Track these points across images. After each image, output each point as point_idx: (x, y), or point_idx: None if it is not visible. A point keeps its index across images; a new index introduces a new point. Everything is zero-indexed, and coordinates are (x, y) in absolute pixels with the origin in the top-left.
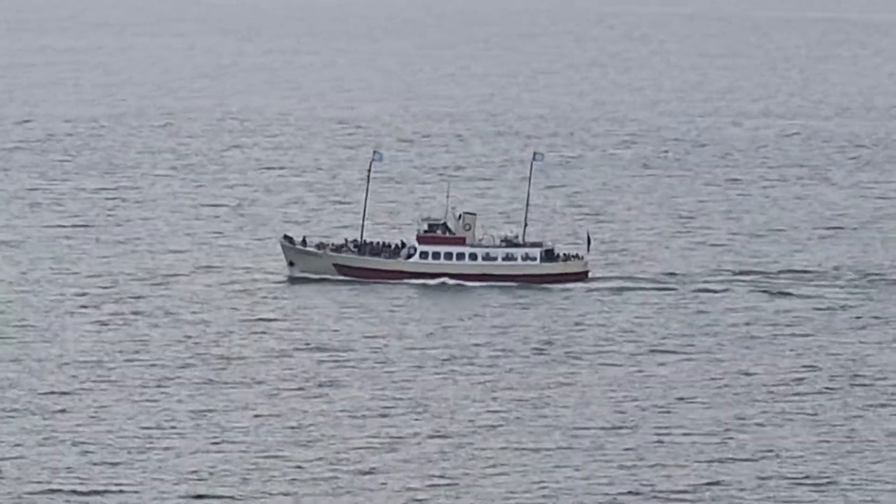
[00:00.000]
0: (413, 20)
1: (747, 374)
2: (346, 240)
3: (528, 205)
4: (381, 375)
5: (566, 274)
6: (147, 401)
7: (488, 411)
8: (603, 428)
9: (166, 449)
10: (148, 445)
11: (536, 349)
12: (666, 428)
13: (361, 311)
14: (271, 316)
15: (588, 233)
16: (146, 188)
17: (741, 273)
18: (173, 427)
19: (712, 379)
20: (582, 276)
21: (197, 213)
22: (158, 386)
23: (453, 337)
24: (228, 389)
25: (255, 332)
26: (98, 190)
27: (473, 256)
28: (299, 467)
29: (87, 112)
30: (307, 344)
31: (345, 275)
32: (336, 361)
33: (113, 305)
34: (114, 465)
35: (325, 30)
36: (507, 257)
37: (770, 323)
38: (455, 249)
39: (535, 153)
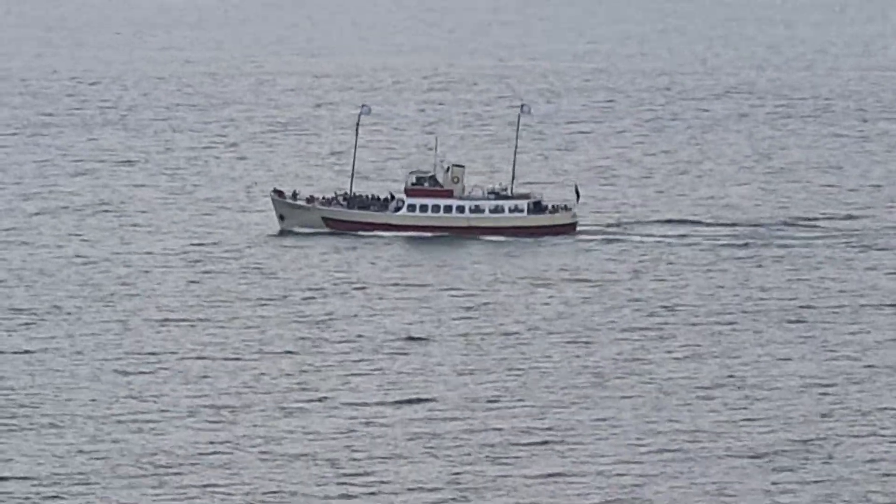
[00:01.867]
0: None
1: (706, 326)
2: (335, 193)
3: (515, 157)
4: (330, 325)
5: (554, 226)
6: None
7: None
8: (586, 382)
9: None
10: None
11: (487, 299)
12: (649, 382)
13: (345, 265)
14: (259, 268)
15: (576, 185)
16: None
17: (697, 223)
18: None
19: (663, 329)
20: (570, 228)
21: (163, 168)
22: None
23: (433, 292)
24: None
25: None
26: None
27: (461, 209)
28: (277, 437)
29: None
30: (263, 294)
31: (333, 228)
32: (314, 316)
33: (79, 247)
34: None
35: None
36: (495, 209)
37: (725, 272)
38: (442, 202)
39: (522, 105)
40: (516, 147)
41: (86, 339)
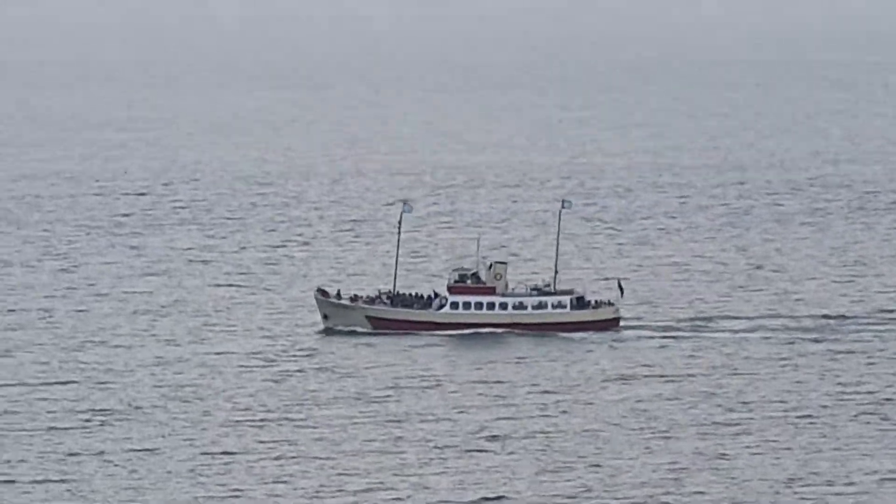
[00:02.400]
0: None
1: (783, 420)
2: (379, 291)
3: (557, 252)
4: (407, 424)
5: (597, 321)
6: (190, 443)
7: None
8: (601, 477)
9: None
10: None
11: (563, 397)
12: (729, 479)
13: (391, 362)
14: (305, 367)
15: (619, 280)
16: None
17: (773, 317)
18: (203, 466)
19: (709, 427)
20: (614, 323)
21: (237, 268)
22: (193, 427)
23: (478, 387)
24: (260, 437)
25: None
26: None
27: (504, 306)
28: None
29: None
30: (339, 394)
31: (377, 327)
32: (363, 413)
33: (155, 348)
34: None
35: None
36: (538, 306)
37: (801, 366)
38: (485, 299)
39: (563, 200)
40: (558, 243)
41: (161, 440)
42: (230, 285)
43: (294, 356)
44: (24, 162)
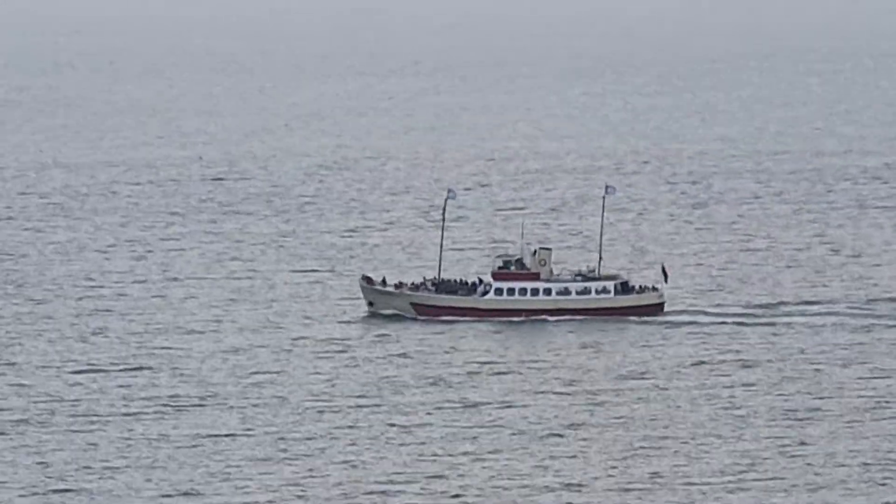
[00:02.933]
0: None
1: (824, 409)
2: (424, 278)
3: (601, 238)
4: (483, 410)
5: (641, 306)
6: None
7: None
8: (676, 465)
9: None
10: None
11: (608, 384)
12: (740, 465)
13: (464, 348)
14: (379, 353)
15: (663, 265)
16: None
17: (817, 303)
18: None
19: (783, 413)
20: (658, 309)
21: (312, 253)
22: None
23: (520, 372)
24: (305, 428)
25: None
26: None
27: (548, 291)
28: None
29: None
30: (414, 380)
31: (421, 313)
32: (438, 398)
33: (230, 334)
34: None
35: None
36: (582, 291)
37: (849, 355)
38: (529, 285)
39: (607, 186)
40: (602, 228)
41: (237, 425)
42: (305, 271)
43: (370, 342)
44: (103, 148)
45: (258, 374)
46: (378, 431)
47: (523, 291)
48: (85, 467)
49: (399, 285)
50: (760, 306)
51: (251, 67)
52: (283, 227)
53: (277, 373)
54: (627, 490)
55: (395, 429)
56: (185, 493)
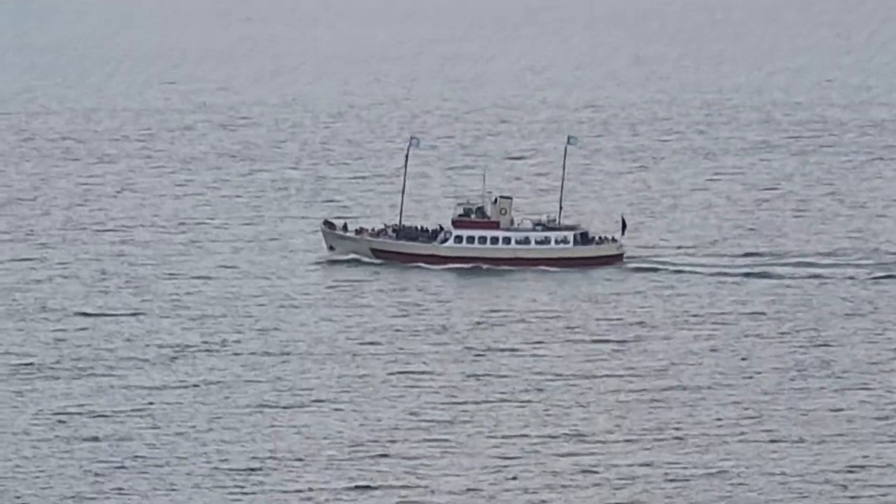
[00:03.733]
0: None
1: (780, 361)
2: (385, 224)
3: (562, 188)
4: (483, 359)
5: (600, 257)
6: (178, 376)
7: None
8: (636, 414)
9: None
10: (183, 412)
11: (561, 334)
12: (694, 417)
13: (390, 294)
14: (307, 297)
15: (623, 216)
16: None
17: (776, 255)
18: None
19: (740, 365)
20: (616, 259)
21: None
22: (186, 359)
23: (474, 321)
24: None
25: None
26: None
27: (507, 240)
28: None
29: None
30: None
31: (381, 258)
32: (439, 345)
33: (153, 281)
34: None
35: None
36: (541, 241)
37: (801, 308)
38: (488, 234)
39: (569, 137)
40: (563, 178)
41: (239, 372)
42: (313, 218)
43: (370, 292)
44: (108, 94)
45: (259, 322)
46: (380, 379)
47: (482, 240)
48: (88, 412)
49: (360, 230)
50: (735, 256)
51: (264, 14)
52: (290, 174)
53: (279, 321)
54: (631, 441)
55: (398, 376)
56: (189, 439)
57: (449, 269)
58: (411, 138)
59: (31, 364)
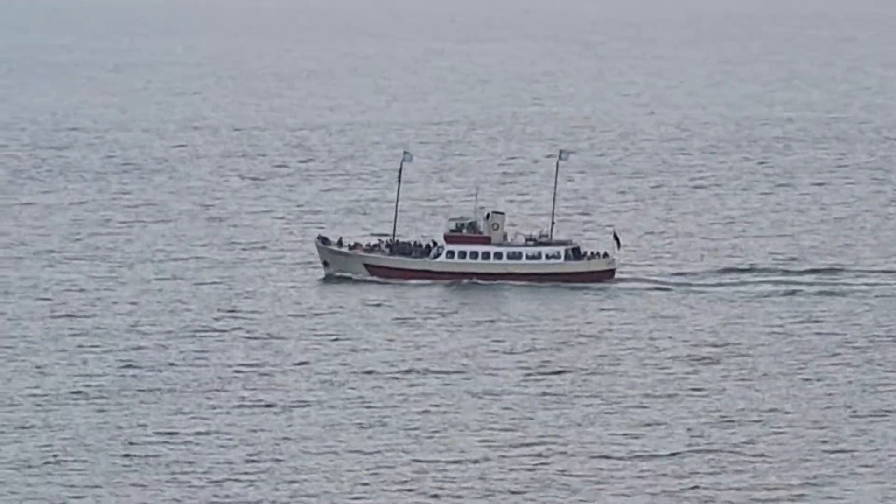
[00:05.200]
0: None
1: (771, 377)
2: (379, 240)
3: (554, 203)
4: (387, 376)
5: (591, 272)
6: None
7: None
8: (625, 434)
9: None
10: (169, 426)
11: (550, 351)
12: (687, 430)
13: (383, 310)
14: (302, 313)
15: (615, 231)
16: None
17: (770, 272)
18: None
19: (734, 381)
20: (609, 275)
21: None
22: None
23: (463, 337)
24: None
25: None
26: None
27: (498, 255)
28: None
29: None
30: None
31: (374, 274)
32: (350, 361)
33: (152, 293)
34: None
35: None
36: (532, 256)
37: (800, 324)
38: (480, 249)
39: (560, 152)
40: (555, 193)
41: (317, 390)
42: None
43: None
44: (179, 110)
45: (335, 342)
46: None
47: (474, 255)
48: (167, 433)
49: (354, 246)
50: (723, 271)
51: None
52: (362, 194)
53: (358, 339)
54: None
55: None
56: (261, 461)
57: (440, 285)
58: (404, 153)
59: (103, 385)
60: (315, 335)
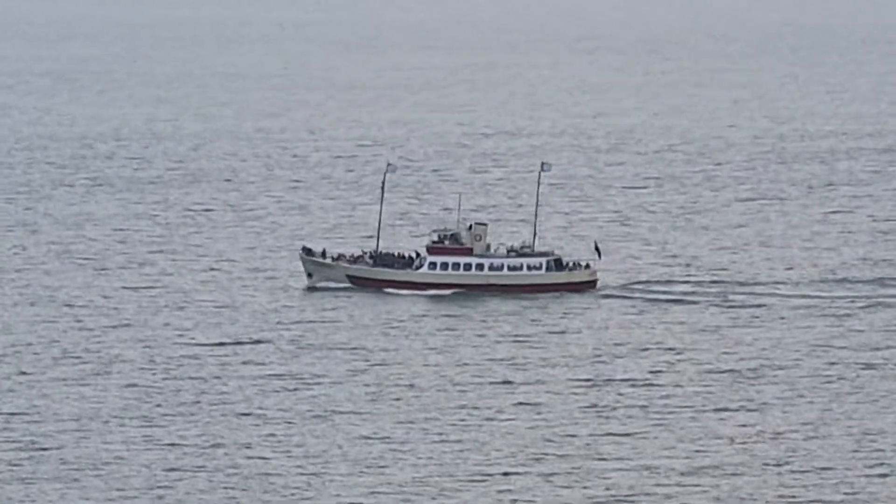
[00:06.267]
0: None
1: (753, 385)
2: (363, 251)
3: (536, 215)
4: (376, 386)
5: (572, 283)
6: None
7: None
8: (673, 447)
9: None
10: (140, 435)
11: (530, 359)
12: (669, 440)
13: (367, 322)
14: (286, 323)
15: (596, 242)
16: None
17: (749, 284)
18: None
19: (724, 389)
20: (590, 286)
21: (239, 223)
22: (163, 380)
23: (442, 348)
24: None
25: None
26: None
27: (480, 266)
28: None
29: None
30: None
31: (357, 285)
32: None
33: (136, 306)
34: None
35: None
36: (513, 267)
37: (837, 337)
38: (462, 260)
39: (542, 163)
40: (537, 204)
41: (359, 399)
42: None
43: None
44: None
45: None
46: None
47: (456, 266)
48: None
49: (338, 257)
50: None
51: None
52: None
53: (396, 351)
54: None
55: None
56: (311, 472)
57: (422, 296)
58: (388, 164)
59: (148, 396)
60: (336, 347)
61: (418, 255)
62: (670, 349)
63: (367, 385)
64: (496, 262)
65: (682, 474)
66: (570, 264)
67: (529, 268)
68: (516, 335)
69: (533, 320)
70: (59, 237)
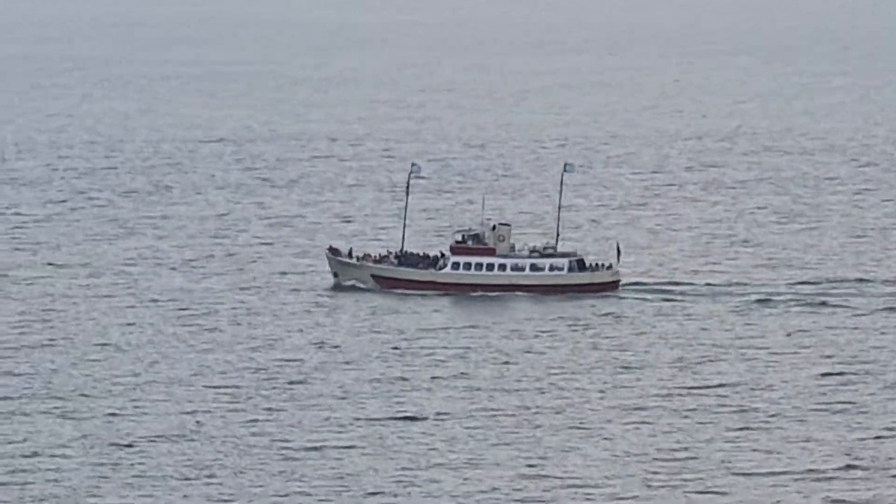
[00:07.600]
0: None
1: (772, 388)
2: (388, 251)
3: (559, 215)
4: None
5: (594, 284)
6: (185, 400)
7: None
8: (636, 441)
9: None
10: (178, 435)
11: (548, 362)
12: (693, 441)
13: (388, 321)
14: (311, 323)
15: (618, 243)
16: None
17: (775, 284)
18: (207, 426)
19: (729, 391)
20: (612, 286)
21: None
22: (193, 385)
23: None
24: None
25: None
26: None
27: (502, 267)
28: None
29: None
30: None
31: (382, 285)
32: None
33: (165, 308)
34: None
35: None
36: (535, 268)
37: (801, 335)
38: (485, 260)
39: (566, 164)
40: (560, 205)
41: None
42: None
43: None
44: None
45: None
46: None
47: (479, 266)
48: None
49: (363, 257)
50: (729, 284)
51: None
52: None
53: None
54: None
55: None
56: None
57: (446, 296)
58: (412, 165)
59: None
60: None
61: (443, 255)
62: (777, 353)
63: (455, 389)
64: (518, 262)
65: (777, 476)
66: (592, 265)
67: (551, 268)
68: (606, 336)
69: (612, 322)
70: (205, 240)
